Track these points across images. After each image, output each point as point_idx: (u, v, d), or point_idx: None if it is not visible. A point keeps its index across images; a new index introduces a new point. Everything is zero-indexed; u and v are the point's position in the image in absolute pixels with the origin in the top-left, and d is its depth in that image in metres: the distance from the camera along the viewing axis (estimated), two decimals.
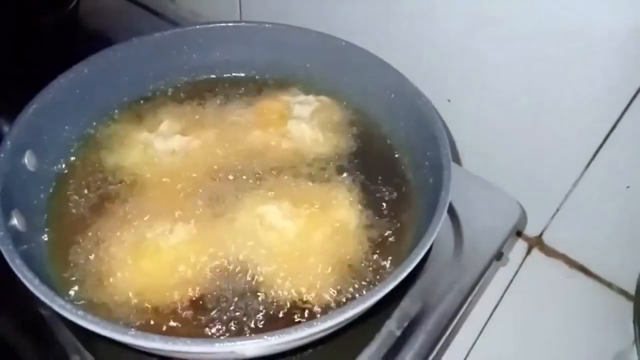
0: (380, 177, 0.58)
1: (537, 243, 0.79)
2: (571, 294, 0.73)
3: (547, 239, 0.78)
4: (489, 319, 0.72)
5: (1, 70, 0.75)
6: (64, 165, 0.56)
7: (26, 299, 0.53)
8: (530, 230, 0.78)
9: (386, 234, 0.54)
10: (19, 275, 0.39)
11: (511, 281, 0.76)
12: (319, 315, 0.46)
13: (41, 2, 0.83)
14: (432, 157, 0.53)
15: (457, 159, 0.76)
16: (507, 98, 0.66)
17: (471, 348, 0.70)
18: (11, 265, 0.40)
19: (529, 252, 0.79)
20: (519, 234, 0.78)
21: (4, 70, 0.75)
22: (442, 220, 0.46)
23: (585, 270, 0.75)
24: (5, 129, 0.64)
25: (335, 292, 0.49)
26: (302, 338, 0.39)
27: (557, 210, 0.74)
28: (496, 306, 0.73)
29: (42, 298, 0.38)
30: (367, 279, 0.50)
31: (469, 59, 0.66)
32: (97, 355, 0.50)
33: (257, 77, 0.68)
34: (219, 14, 0.91)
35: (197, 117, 0.63)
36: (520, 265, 0.78)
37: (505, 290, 0.74)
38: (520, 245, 0.79)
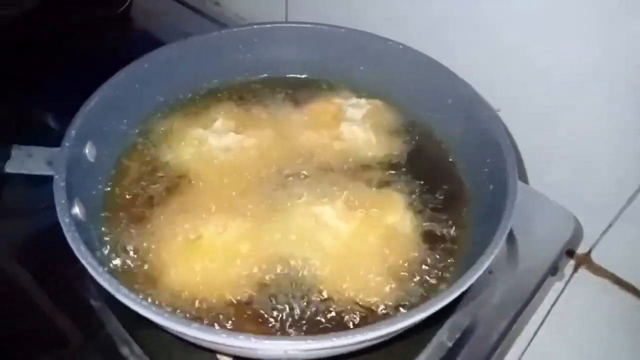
0: (435, 182, 0.57)
1: (585, 261, 0.76)
2: (619, 314, 0.71)
3: (595, 256, 0.75)
4: (532, 338, 0.69)
5: (56, 65, 0.77)
6: (121, 158, 0.57)
7: (76, 290, 0.54)
8: (579, 248, 0.75)
9: (442, 239, 0.52)
10: (84, 263, 0.39)
11: (557, 299, 0.73)
12: (370, 320, 0.46)
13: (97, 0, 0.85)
14: (493, 164, 0.51)
15: None
16: (561, 108, 0.64)
17: None
18: (76, 252, 0.40)
19: (576, 269, 0.76)
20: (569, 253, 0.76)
21: (59, 65, 0.77)
22: (509, 230, 0.44)
23: (635, 291, 0.72)
24: (52, 123, 0.66)
25: (390, 297, 0.48)
26: (357, 343, 0.38)
27: (609, 226, 0.71)
28: (540, 325, 0.70)
29: (107, 286, 0.38)
30: (423, 286, 0.49)
31: (519, 67, 0.64)
32: (146, 347, 0.50)
33: (309, 78, 0.68)
34: (265, 16, 0.91)
35: (250, 116, 0.63)
36: (567, 283, 0.75)
37: (551, 309, 0.72)
38: (568, 263, 0.76)
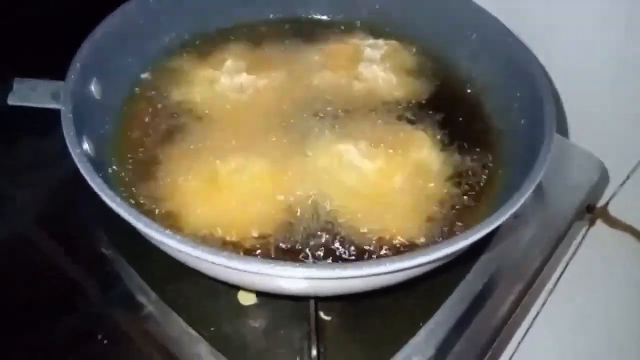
0: (461, 120, 0.54)
1: (601, 214, 0.74)
2: (637, 267, 0.69)
3: (613, 209, 0.73)
4: (549, 295, 0.68)
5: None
6: (128, 97, 0.53)
7: (88, 239, 0.52)
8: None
9: (471, 177, 0.50)
10: (101, 194, 0.36)
11: (573, 254, 0.71)
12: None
13: None
14: (525, 97, 0.49)
15: None
16: (590, 48, 0.61)
17: (535, 317, 0.66)
18: (90, 182, 0.37)
19: (592, 223, 0.74)
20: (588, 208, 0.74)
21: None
22: (547, 163, 0.41)
23: None
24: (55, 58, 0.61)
25: (417, 236, 0.46)
26: (385, 273, 0.35)
27: (628, 177, 0.69)
28: (557, 281, 0.69)
29: (125, 216, 0.35)
30: (451, 224, 0.47)
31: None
32: (164, 295, 0.47)
33: (323, 19, 0.65)
34: None
35: (262, 57, 0.59)
36: (584, 237, 0.73)
37: (567, 264, 0.70)
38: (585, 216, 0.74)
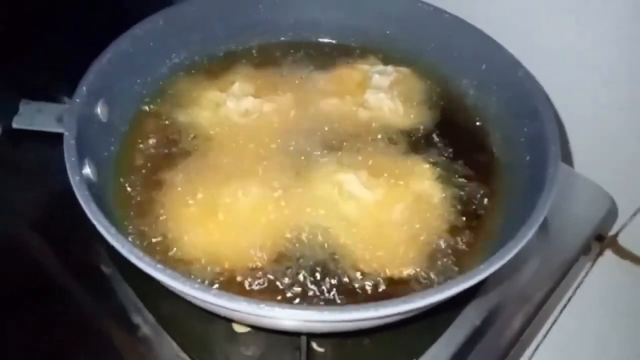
0: (466, 152, 0.54)
1: (611, 244, 0.73)
2: None
3: (622, 240, 0.72)
4: (556, 319, 0.67)
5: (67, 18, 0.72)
6: (134, 119, 0.54)
7: (88, 256, 0.52)
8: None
9: (473, 211, 0.49)
10: (95, 223, 0.37)
11: (580, 283, 0.70)
12: (394, 293, 0.43)
13: None
14: (531, 133, 0.48)
15: None
16: (598, 80, 0.60)
17: (536, 349, 0.65)
18: (87, 211, 0.37)
19: (601, 252, 0.73)
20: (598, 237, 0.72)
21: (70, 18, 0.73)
22: (549, 204, 0.41)
23: None
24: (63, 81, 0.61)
25: (415, 270, 0.45)
26: (378, 318, 0.35)
27: (639, 209, 0.68)
28: (563, 308, 0.68)
29: (119, 248, 0.35)
30: (451, 259, 0.46)
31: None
32: (158, 315, 0.48)
33: (332, 42, 0.65)
34: None
35: (269, 80, 0.59)
36: (592, 266, 0.72)
37: (574, 292, 0.69)
38: (593, 246, 0.73)
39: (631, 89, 0.58)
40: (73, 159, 0.41)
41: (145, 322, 0.48)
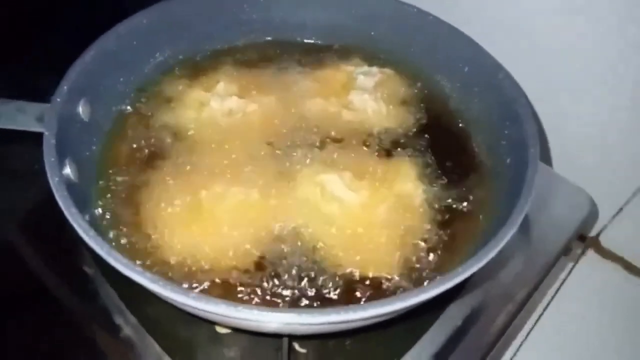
0: (448, 153, 0.54)
1: (593, 244, 0.74)
2: (628, 299, 0.69)
3: (604, 240, 0.73)
4: (538, 319, 0.67)
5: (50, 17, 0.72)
6: (117, 118, 0.54)
7: (70, 256, 0.52)
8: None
9: (454, 213, 0.50)
10: (74, 225, 0.36)
11: (563, 283, 0.71)
12: (376, 294, 0.43)
13: None
14: (512, 136, 0.49)
15: None
16: (579, 82, 0.61)
17: (518, 348, 0.66)
18: (65, 213, 0.37)
19: (583, 252, 0.74)
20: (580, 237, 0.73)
21: (53, 17, 0.72)
22: (528, 206, 0.41)
23: None
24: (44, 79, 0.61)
25: (398, 271, 0.46)
26: (361, 320, 0.36)
27: (620, 210, 0.69)
28: (546, 308, 0.68)
29: (97, 249, 0.35)
30: (434, 260, 0.47)
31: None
32: (140, 317, 0.47)
33: (317, 43, 0.65)
34: None
35: (254, 80, 0.59)
36: (574, 266, 0.73)
37: (557, 292, 0.70)
38: (575, 246, 0.74)
39: (611, 90, 0.59)
40: (52, 159, 0.40)
41: (127, 324, 0.48)
